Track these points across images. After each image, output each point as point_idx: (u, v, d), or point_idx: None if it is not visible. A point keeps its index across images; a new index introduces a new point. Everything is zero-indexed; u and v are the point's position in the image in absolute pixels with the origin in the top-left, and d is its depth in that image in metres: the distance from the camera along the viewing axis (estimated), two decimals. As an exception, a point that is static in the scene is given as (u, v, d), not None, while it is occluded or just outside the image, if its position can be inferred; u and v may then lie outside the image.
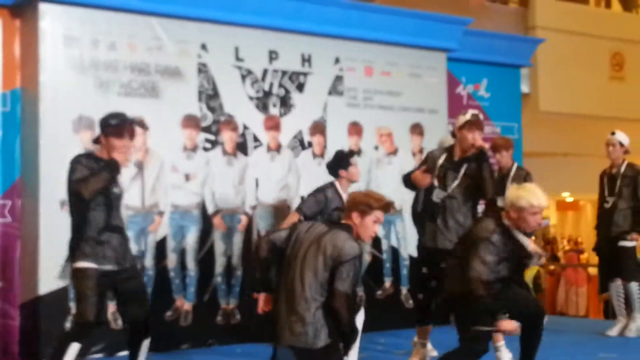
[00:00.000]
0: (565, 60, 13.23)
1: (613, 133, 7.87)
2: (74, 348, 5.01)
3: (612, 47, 14.17)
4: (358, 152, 8.27)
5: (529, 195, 5.08)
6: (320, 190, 6.50)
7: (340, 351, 4.71)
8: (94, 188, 5.03)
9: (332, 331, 4.61)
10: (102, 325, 5.32)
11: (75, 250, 5.12)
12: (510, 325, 5.11)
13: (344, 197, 6.41)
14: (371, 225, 4.83)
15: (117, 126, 5.16)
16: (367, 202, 4.84)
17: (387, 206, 4.89)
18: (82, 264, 5.07)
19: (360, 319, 5.33)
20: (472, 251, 5.06)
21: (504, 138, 7.87)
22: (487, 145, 6.06)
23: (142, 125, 5.86)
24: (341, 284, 4.58)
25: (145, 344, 5.33)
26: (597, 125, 14.43)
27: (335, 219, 6.32)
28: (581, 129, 14.33)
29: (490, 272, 5.03)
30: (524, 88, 11.67)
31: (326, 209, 6.41)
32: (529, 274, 11.05)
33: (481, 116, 6.15)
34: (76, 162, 5.15)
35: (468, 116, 6.04)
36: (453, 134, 6.24)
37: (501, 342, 6.04)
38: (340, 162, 6.61)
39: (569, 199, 21.71)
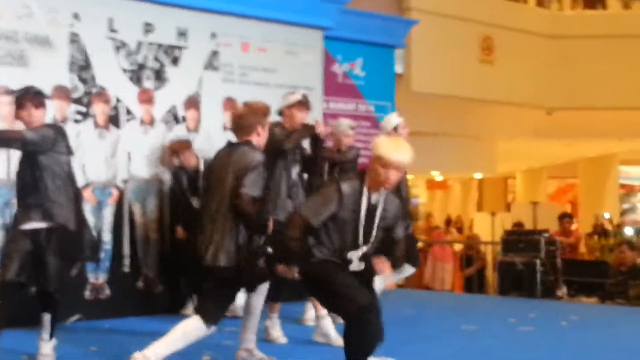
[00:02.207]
0: (438, 42, 13.52)
1: None
2: None
3: (483, 31, 14.56)
4: (233, 128, 8.25)
5: (392, 149, 4.75)
6: None
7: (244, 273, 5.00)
8: None
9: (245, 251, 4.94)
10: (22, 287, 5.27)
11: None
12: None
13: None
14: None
15: (19, 98, 5.38)
16: (265, 112, 5.36)
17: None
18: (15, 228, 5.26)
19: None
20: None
21: (180, 141, 7.82)
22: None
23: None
24: (247, 189, 4.92)
25: (45, 318, 5.32)
26: (467, 106, 14.87)
27: None
28: (452, 110, 14.71)
29: (317, 218, 4.67)
30: (398, 68, 11.87)
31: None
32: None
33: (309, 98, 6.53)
34: None
35: (299, 96, 6.29)
36: (280, 113, 6.38)
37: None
38: None
39: (439, 178, 22.30)
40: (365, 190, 4.69)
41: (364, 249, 4.72)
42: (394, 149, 4.68)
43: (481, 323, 7.11)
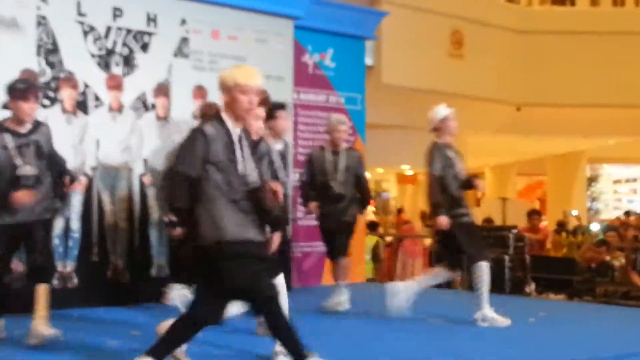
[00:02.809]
0: (408, 36, 13.53)
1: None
2: None
3: (452, 25, 14.59)
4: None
5: (247, 74, 4.51)
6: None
7: None
8: None
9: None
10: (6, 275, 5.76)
11: None
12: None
13: (274, 147, 6.47)
14: None
15: (23, 90, 5.50)
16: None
17: None
18: None
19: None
20: None
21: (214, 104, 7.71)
22: None
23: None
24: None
25: (42, 288, 5.56)
26: (437, 100, 14.76)
27: None
28: (422, 103, 14.65)
29: (192, 167, 4.39)
30: (368, 60, 11.84)
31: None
32: (368, 244, 11.27)
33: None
34: None
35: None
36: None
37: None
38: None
39: (409, 172, 22.32)
40: (231, 126, 4.49)
41: (253, 182, 4.50)
42: (249, 74, 4.51)
43: (449, 318, 7.07)
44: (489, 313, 6.74)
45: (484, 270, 6.76)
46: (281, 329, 4.46)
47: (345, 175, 7.49)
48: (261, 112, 5.50)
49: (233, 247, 4.36)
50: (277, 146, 6.65)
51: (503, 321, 6.69)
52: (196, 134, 4.43)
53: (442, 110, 7.03)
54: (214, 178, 4.40)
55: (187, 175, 4.38)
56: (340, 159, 7.52)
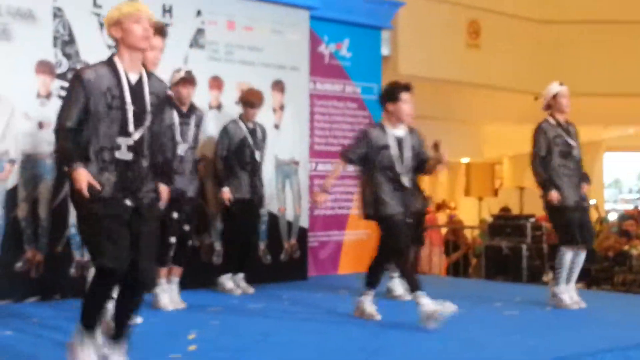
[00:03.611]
0: (425, 25, 13.49)
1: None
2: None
3: (469, 15, 14.53)
4: (218, 107, 8.20)
5: (124, 5, 4.13)
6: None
7: None
8: None
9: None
10: None
11: None
12: None
13: (391, 133, 6.33)
14: None
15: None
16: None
17: None
18: None
19: None
20: None
21: (257, 92, 7.86)
22: None
23: None
24: None
25: None
26: (454, 90, 14.83)
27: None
28: (438, 93, 14.66)
29: (70, 118, 4.02)
30: (385, 50, 11.82)
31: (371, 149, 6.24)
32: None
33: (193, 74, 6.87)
34: None
35: (182, 74, 6.68)
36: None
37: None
38: (388, 94, 6.36)
39: (425, 163, 22.21)
40: (121, 69, 4.09)
41: (137, 135, 4.11)
42: (139, 4, 4.12)
43: (467, 307, 7.06)
44: (563, 294, 7.04)
45: (563, 255, 7.05)
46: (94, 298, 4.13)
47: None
48: (158, 42, 5.18)
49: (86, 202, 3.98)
50: (398, 132, 6.43)
51: (569, 305, 6.98)
52: (73, 81, 4.06)
53: (554, 87, 7.06)
54: (92, 127, 4.04)
55: (64, 127, 4.01)
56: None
